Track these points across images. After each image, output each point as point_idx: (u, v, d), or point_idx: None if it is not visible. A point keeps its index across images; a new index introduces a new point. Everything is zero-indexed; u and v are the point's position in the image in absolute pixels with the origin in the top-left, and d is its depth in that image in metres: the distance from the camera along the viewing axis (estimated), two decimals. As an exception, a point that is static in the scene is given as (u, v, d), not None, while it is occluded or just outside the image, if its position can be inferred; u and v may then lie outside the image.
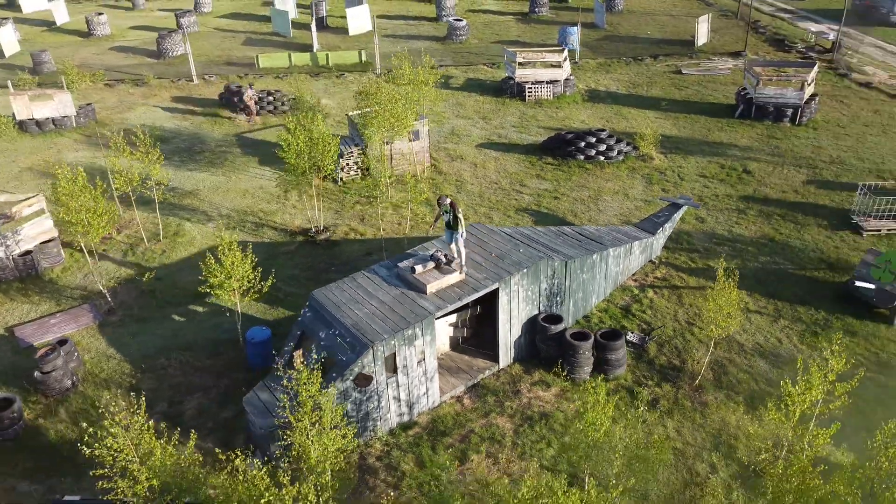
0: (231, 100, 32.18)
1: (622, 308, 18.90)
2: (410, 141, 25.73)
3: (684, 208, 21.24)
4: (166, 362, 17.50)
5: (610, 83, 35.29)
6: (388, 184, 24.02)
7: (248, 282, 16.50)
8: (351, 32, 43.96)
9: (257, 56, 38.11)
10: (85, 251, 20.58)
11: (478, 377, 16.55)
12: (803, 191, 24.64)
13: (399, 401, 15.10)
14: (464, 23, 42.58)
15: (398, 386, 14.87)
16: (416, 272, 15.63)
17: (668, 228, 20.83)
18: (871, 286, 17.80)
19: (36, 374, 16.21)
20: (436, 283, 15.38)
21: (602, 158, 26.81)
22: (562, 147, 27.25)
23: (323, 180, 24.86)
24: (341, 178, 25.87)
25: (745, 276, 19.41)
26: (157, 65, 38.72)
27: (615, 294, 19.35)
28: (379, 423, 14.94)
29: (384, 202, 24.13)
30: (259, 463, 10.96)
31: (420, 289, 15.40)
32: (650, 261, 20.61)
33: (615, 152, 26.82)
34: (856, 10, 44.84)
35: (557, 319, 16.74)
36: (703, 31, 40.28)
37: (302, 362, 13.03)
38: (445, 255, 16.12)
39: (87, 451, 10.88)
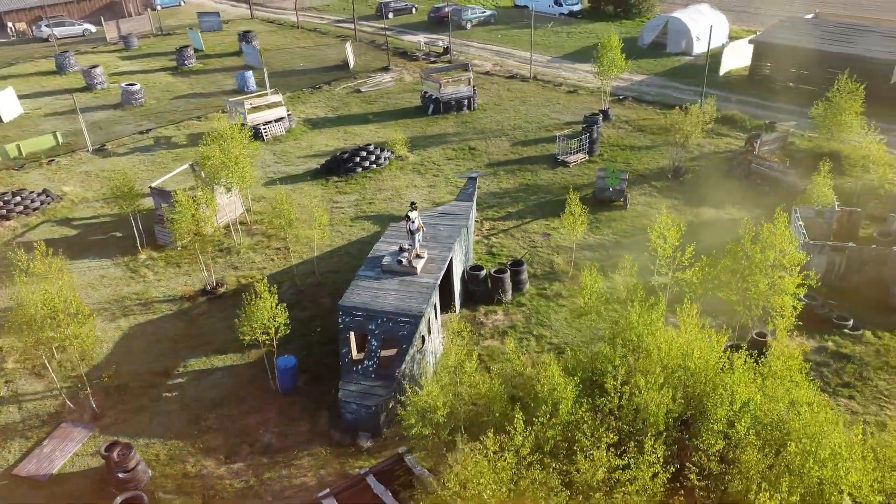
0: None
1: (487, 252, 26.49)
2: (226, 192, 28.78)
3: (477, 179, 29.52)
4: (207, 416, 19.37)
5: (314, 111, 41.51)
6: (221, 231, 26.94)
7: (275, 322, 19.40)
8: (6, 119, 41.29)
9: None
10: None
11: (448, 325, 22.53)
12: (515, 151, 35.15)
13: (432, 353, 20.40)
14: (137, 86, 43.58)
15: (432, 341, 20.18)
16: (404, 263, 20.83)
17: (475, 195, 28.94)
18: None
19: (120, 474, 16.92)
20: (420, 265, 20.87)
21: (375, 166, 33.47)
22: (341, 166, 33.05)
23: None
24: (180, 244, 27.66)
25: (534, 210, 28.74)
26: None
27: (476, 246, 26.82)
28: (426, 375, 20.06)
29: (240, 248, 27.20)
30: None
31: (412, 272, 20.70)
32: (475, 220, 28.51)
33: (382, 159, 33.74)
34: (433, 22, 58.58)
35: (479, 268, 23.65)
36: (351, 55, 48.87)
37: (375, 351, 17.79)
38: (401, 247, 21.56)
39: None
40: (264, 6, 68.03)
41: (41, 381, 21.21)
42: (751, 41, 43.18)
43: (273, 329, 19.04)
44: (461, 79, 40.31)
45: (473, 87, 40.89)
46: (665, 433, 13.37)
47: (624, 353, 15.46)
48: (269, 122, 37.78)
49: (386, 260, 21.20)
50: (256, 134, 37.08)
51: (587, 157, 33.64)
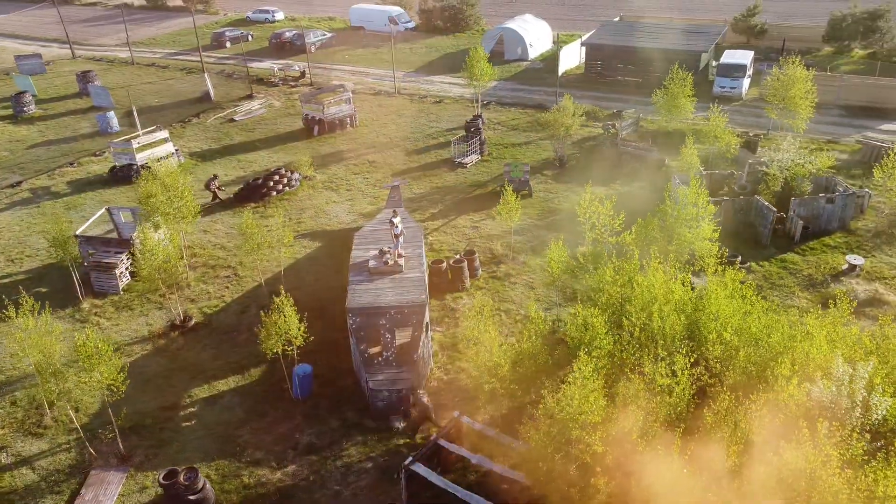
0: None
1: (429, 250, 29.24)
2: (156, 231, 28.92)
3: (399, 187, 32.10)
4: (239, 433, 20.34)
5: (196, 144, 41.47)
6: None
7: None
8: None
9: None
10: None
11: (426, 315, 25.03)
12: (412, 160, 38.08)
13: (431, 337, 22.85)
14: (-13, 138, 40.66)
15: (431, 326, 22.65)
16: (390, 263, 23.04)
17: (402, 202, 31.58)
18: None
19: (190, 497, 17.63)
20: (402, 262, 23.21)
21: (288, 189, 34.76)
22: (256, 191, 33.96)
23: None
24: (122, 289, 27.43)
25: (454, 208, 32.00)
26: None
27: (418, 246, 29.46)
28: (434, 356, 22.51)
29: (189, 282, 27.63)
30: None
31: (399, 270, 22.99)
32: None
33: (294, 181, 35.10)
34: (274, 48, 59.71)
35: (440, 261, 26.37)
36: (211, 86, 48.88)
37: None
38: (381, 250, 23.77)
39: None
40: (82, 44, 64.54)
41: (40, 439, 20.69)
42: (583, 43, 49.75)
43: (296, 339, 20.45)
44: (342, 98, 42.41)
45: (353, 105, 43.19)
46: (681, 348, 17.17)
47: (617, 300, 19.16)
48: (160, 158, 37.34)
49: (372, 263, 23.27)
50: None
51: (479, 157, 37.46)
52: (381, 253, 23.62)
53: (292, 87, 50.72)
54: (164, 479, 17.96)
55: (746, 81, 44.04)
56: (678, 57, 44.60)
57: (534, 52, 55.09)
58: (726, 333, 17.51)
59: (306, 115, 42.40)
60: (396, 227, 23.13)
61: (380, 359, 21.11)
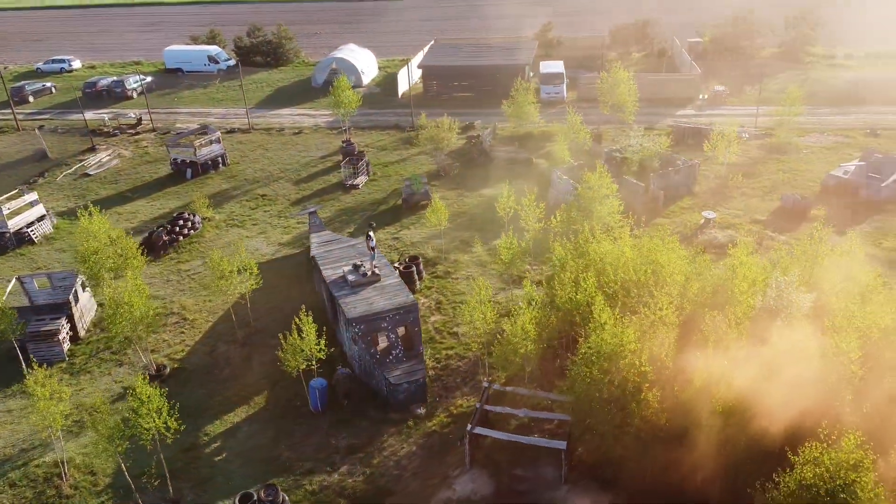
0: None
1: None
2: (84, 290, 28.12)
3: (315, 211, 33.70)
4: (277, 453, 21.44)
5: (59, 204, 39.12)
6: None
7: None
8: None
9: None
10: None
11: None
12: (302, 188, 39.56)
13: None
14: None
15: (417, 323, 25.22)
16: (368, 274, 25.13)
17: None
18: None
19: (276, 513, 18.67)
20: (378, 272, 25.46)
21: (194, 231, 34.70)
22: (163, 240, 33.51)
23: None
24: (68, 351, 26.37)
25: (377, 222, 34.50)
26: None
27: (354, 263, 31.52)
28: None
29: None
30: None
31: (377, 280, 25.19)
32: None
33: (197, 223, 35.08)
34: (90, 97, 56.82)
35: (409, 266, 28.87)
36: (44, 143, 45.90)
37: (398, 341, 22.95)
38: (354, 264, 25.81)
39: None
40: None
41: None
42: (420, 66, 54.12)
43: (319, 353, 21.95)
44: (212, 139, 42.45)
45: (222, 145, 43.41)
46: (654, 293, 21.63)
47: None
48: (33, 222, 35.11)
49: (351, 278, 25.18)
50: (21, 239, 34.33)
51: (368, 178, 40.06)
52: (356, 267, 25.62)
53: (133, 134, 49.07)
54: (239, 502, 18.71)
55: (565, 86, 51.30)
56: (507, 71, 50.77)
57: (366, 79, 58.46)
58: (679, 276, 22.41)
59: (175, 158, 41.85)
60: (372, 239, 25.33)
61: (390, 357, 23.26)
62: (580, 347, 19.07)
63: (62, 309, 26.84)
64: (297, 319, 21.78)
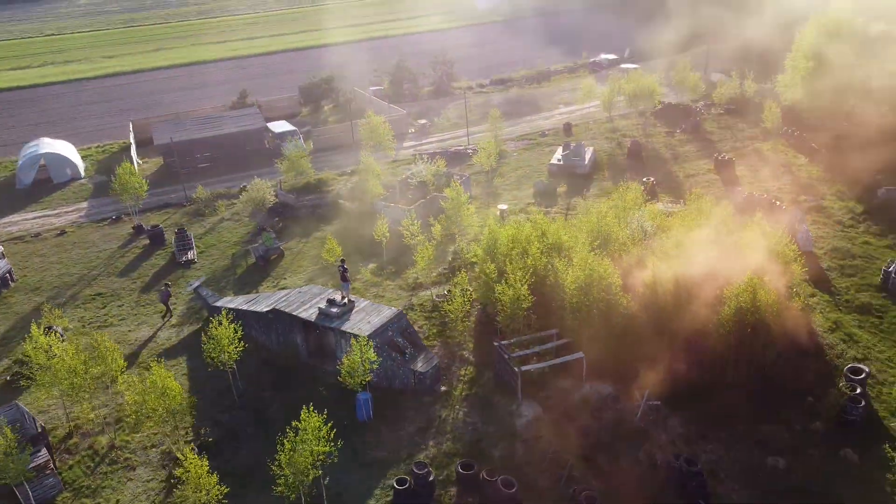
0: None
1: (280, 315, 34.06)
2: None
3: (199, 285, 34.48)
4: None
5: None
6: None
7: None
8: None
9: None
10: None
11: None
12: (133, 277, 38.58)
13: (395, 341, 30.31)
14: None
15: (396, 332, 30.14)
16: (348, 303, 29.05)
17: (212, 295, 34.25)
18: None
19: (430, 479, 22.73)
20: (351, 299, 29.59)
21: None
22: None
23: None
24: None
25: (249, 280, 36.67)
26: None
27: (268, 316, 33.87)
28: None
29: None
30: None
31: (353, 307, 29.33)
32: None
33: (63, 336, 32.61)
34: None
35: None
36: None
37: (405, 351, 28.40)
38: (329, 299, 29.39)
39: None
40: None
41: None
42: (156, 145, 53.97)
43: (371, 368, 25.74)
44: (-5, 256, 37.91)
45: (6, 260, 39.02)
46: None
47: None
48: None
49: (333, 310, 28.78)
50: None
51: (196, 250, 40.85)
52: (331, 301, 29.26)
53: None
54: (398, 484, 22.37)
55: (301, 139, 57.24)
56: (249, 136, 54.75)
57: (82, 169, 55.45)
58: (565, 237, 32.00)
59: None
60: (347, 270, 29.36)
61: (406, 356, 28.01)
62: (563, 284, 27.37)
63: (41, 440, 24.49)
64: (353, 341, 25.34)
